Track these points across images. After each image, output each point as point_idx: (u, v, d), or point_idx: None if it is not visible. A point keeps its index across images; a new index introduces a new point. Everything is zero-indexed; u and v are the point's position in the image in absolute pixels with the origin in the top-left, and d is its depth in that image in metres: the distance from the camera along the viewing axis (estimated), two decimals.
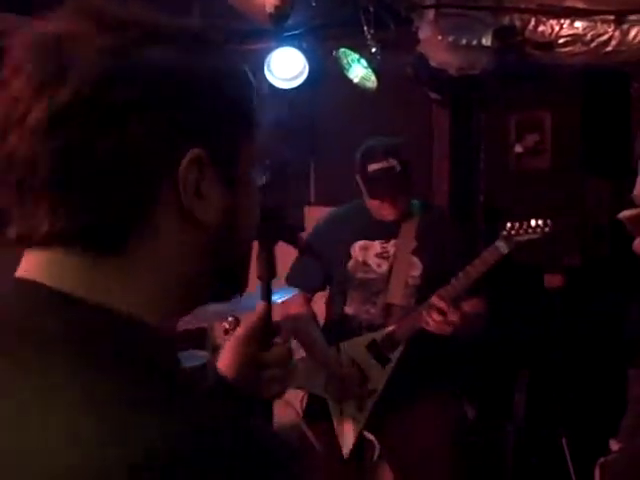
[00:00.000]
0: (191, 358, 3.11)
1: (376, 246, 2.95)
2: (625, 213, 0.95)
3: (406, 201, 2.91)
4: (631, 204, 1.06)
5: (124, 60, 0.68)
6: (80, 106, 0.66)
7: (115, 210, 0.68)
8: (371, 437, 2.84)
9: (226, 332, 2.63)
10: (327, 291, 3.14)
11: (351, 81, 3.71)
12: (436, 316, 2.67)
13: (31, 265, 0.71)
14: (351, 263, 2.96)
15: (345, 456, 2.83)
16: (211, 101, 0.72)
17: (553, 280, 3.71)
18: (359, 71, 3.67)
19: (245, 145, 0.77)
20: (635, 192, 0.94)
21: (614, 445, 2.39)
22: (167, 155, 0.69)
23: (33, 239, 0.69)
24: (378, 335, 2.89)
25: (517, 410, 3.57)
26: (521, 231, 2.72)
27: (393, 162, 2.79)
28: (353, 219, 3.02)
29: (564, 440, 3.42)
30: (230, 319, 2.61)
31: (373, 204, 2.90)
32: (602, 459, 2.39)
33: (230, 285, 0.81)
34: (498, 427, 3.61)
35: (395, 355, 2.86)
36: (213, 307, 2.67)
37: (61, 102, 0.66)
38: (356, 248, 2.96)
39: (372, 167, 2.81)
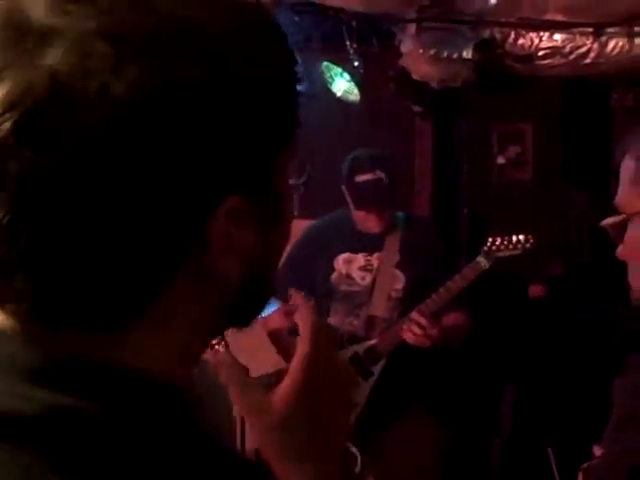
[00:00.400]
0: None
1: (360, 259, 2.96)
2: (608, 220, 0.96)
3: (391, 213, 2.92)
4: (614, 212, 1.08)
5: (170, 74, 0.49)
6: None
7: (129, 282, 0.52)
8: (353, 449, 2.83)
9: (211, 346, 2.62)
10: (314, 302, 3.15)
11: (334, 94, 3.74)
12: (416, 330, 2.68)
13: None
14: (334, 276, 2.96)
15: None
16: (250, 125, 0.53)
17: (535, 290, 3.74)
18: (342, 85, 3.71)
19: (284, 168, 0.59)
20: (617, 200, 0.95)
21: (597, 451, 2.41)
22: (198, 209, 0.52)
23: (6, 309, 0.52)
24: (360, 348, 2.88)
25: (504, 421, 3.58)
26: (502, 247, 2.74)
27: (381, 174, 2.80)
28: (336, 231, 3.02)
29: (550, 450, 3.43)
30: None
31: (359, 215, 2.90)
32: (585, 464, 2.41)
33: (245, 320, 0.65)
34: (485, 439, 3.62)
35: (377, 368, 2.86)
36: None
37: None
38: (340, 261, 2.96)
39: (359, 178, 2.82)
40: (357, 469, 2.80)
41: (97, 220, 0.49)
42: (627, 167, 0.92)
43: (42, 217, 0.48)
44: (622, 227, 0.93)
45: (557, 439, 3.45)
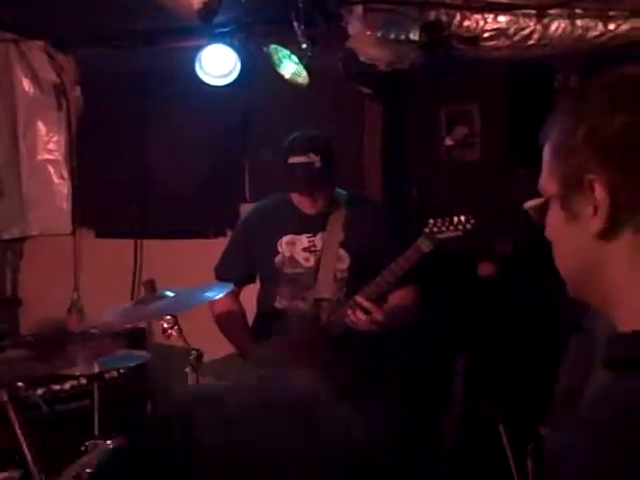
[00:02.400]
0: (129, 358, 3.09)
1: (303, 240, 2.95)
2: (530, 203, 1.00)
3: (327, 196, 2.91)
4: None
5: None
6: None
7: None
8: None
9: (164, 331, 2.61)
10: (258, 286, 3.14)
11: (283, 77, 3.72)
12: (361, 315, 2.70)
13: None
14: (278, 258, 2.96)
15: None
16: None
17: (486, 268, 3.80)
18: (290, 67, 3.69)
19: None
20: (539, 184, 0.99)
21: (543, 431, 2.47)
22: None
23: None
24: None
25: (455, 399, 3.64)
26: (443, 228, 2.77)
27: (314, 157, 2.80)
28: (279, 213, 3.01)
29: (501, 425, 3.49)
30: (168, 318, 2.59)
31: (294, 197, 2.91)
32: (532, 444, 2.46)
33: None
34: (437, 417, 3.67)
35: (324, 351, 2.86)
36: (151, 306, 2.66)
37: None
38: (283, 243, 2.96)
39: (292, 160, 2.82)
40: None
41: None
42: (545, 153, 0.97)
43: None
44: (544, 210, 0.98)
45: (508, 415, 3.52)
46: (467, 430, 3.64)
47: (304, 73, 3.65)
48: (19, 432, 2.39)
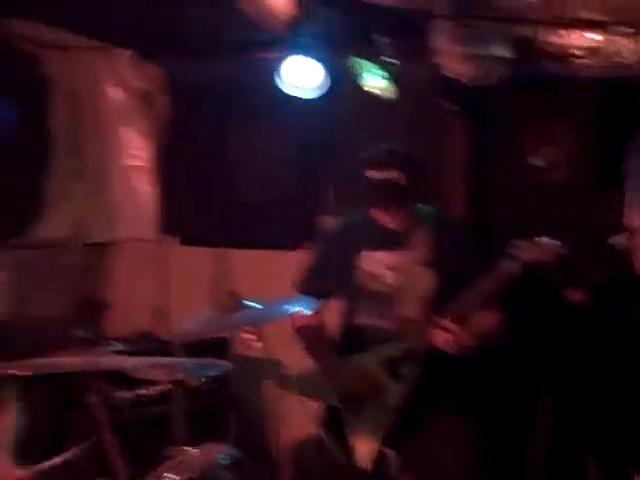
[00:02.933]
0: (212, 367, 3.15)
1: (386, 257, 2.92)
2: (615, 238, 0.98)
3: (407, 212, 2.88)
4: None
5: None
6: None
7: None
8: (389, 452, 2.81)
9: (246, 342, 2.66)
10: (341, 301, 3.14)
11: (368, 91, 3.73)
12: (445, 335, 2.67)
13: None
14: (360, 274, 2.94)
15: (364, 470, 2.80)
16: None
17: (577, 295, 3.68)
18: (376, 81, 3.70)
19: None
20: (625, 220, 0.97)
21: None
22: None
23: None
24: (391, 350, 2.88)
25: (541, 428, 3.53)
26: (529, 250, 2.70)
27: (393, 173, 2.77)
28: (361, 229, 2.99)
29: (589, 463, 3.36)
30: (251, 329, 2.64)
31: (375, 212, 2.90)
32: None
33: None
34: (522, 441, 3.58)
35: (409, 371, 2.83)
36: (234, 317, 2.71)
37: None
38: (366, 259, 2.94)
39: (372, 175, 2.80)
40: (393, 470, 2.81)
41: None
42: (626, 189, 0.96)
43: None
44: (631, 244, 0.96)
45: (598, 453, 3.39)
46: (553, 463, 3.54)
47: (389, 87, 3.65)
48: (106, 435, 2.45)
